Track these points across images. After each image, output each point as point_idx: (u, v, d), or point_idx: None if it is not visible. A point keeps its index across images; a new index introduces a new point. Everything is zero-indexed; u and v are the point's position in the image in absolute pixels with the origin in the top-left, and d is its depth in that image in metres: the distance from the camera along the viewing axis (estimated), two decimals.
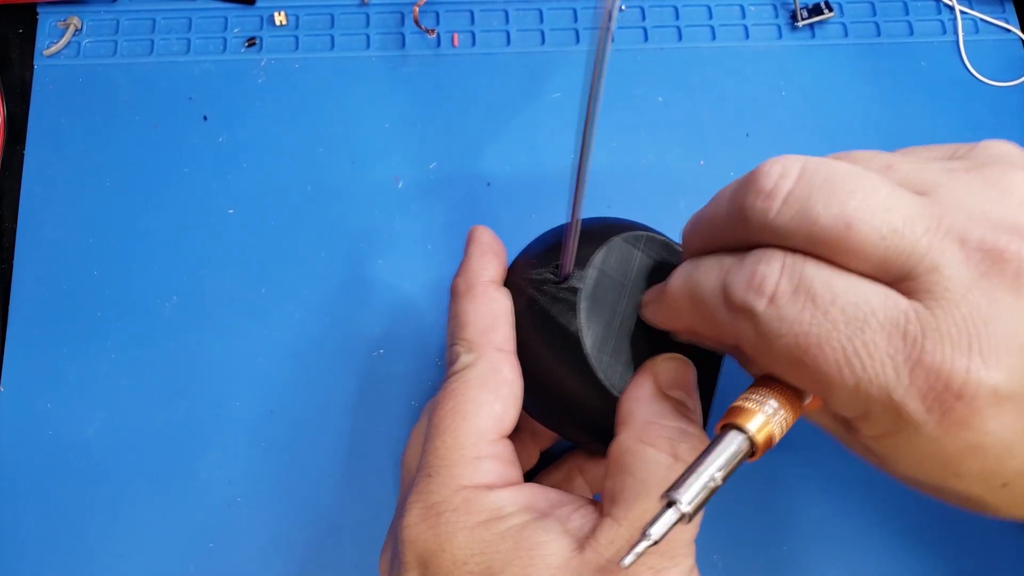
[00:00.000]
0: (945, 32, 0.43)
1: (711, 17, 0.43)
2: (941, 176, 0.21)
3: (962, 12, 0.43)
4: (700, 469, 0.21)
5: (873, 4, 0.44)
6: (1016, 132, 0.41)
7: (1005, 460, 0.20)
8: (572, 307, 0.26)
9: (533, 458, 0.33)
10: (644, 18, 0.43)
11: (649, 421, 0.25)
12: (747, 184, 0.22)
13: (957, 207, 0.20)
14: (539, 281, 0.27)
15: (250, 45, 0.41)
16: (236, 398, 0.35)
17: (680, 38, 0.42)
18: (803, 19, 0.42)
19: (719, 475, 0.21)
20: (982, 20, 0.43)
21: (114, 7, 0.41)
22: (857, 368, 0.20)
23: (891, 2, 0.44)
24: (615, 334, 0.27)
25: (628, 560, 0.20)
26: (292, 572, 0.33)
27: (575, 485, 0.32)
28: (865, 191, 0.20)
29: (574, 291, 0.27)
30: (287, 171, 0.39)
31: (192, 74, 0.40)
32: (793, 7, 0.43)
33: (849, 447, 0.25)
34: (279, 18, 0.41)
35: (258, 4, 0.42)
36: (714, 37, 0.43)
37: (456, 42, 0.42)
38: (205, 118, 0.40)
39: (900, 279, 0.20)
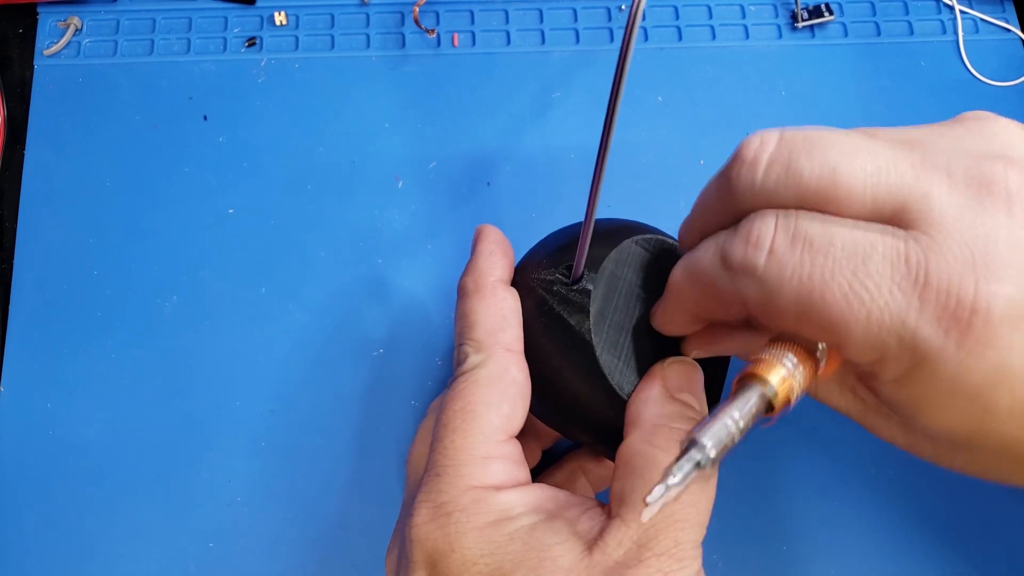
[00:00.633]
0: (945, 32, 0.43)
1: (711, 17, 0.43)
2: (921, 132, 0.22)
3: (962, 12, 0.43)
4: (720, 416, 0.21)
5: (873, 4, 0.44)
6: None
7: None
8: (583, 309, 0.26)
9: (535, 457, 0.33)
10: (644, 18, 0.43)
11: (657, 424, 0.25)
12: (731, 161, 0.23)
13: (939, 149, 0.21)
14: (549, 282, 0.27)
15: (250, 45, 0.41)
16: (236, 398, 0.35)
17: (680, 38, 0.42)
18: (803, 20, 0.42)
19: (740, 423, 0.21)
20: (982, 20, 0.43)
21: (114, 7, 0.41)
22: (866, 300, 0.20)
23: (891, 2, 0.44)
24: (625, 337, 0.27)
25: (650, 513, 0.20)
26: (292, 572, 0.33)
27: (578, 485, 0.32)
28: (845, 143, 0.21)
29: (586, 293, 0.26)
30: (287, 171, 0.39)
31: (192, 74, 0.40)
32: (794, 7, 0.43)
33: (872, 423, 0.24)
34: (279, 18, 0.41)
35: (258, 4, 0.42)
36: (714, 37, 0.43)
37: (456, 42, 0.41)
38: (205, 118, 0.40)
39: (894, 216, 0.20)
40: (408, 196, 0.39)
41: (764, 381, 0.21)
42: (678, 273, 0.25)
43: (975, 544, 0.34)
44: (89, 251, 0.37)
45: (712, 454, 0.20)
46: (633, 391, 0.26)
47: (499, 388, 0.26)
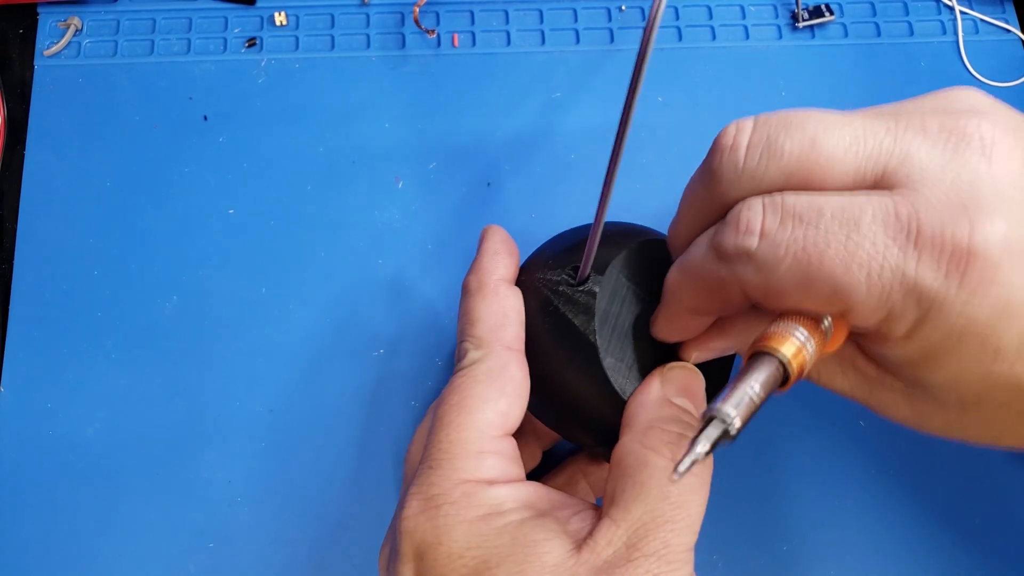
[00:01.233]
0: (945, 32, 0.43)
1: (711, 17, 0.43)
2: (891, 105, 0.23)
3: (962, 12, 0.43)
4: (739, 386, 0.21)
5: (873, 4, 0.44)
6: None
7: None
8: (588, 311, 0.26)
9: (536, 458, 0.33)
10: (644, 18, 0.43)
11: (651, 426, 0.25)
12: (711, 152, 0.23)
13: (910, 112, 0.22)
14: (555, 282, 0.27)
15: (250, 45, 0.41)
16: (236, 398, 0.35)
17: (680, 38, 0.42)
18: (804, 20, 0.42)
19: (759, 392, 0.21)
20: (982, 20, 0.43)
21: (114, 7, 0.41)
22: (864, 261, 0.20)
23: (891, 3, 0.44)
24: (629, 340, 0.27)
25: (680, 474, 0.20)
26: (292, 572, 0.33)
27: (578, 489, 0.32)
28: (821, 117, 0.22)
29: (591, 295, 0.26)
30: (287, 171, 0.39)
31: (192, 74, 0.40)
32: (794, 8, 0.43)
33: (879, 399, 0.24)
34: (279, 18, 0.41)
35: (258, 4, 0.42)
36: (714, 37, 0.43)
37: (456, 42, 0.42)
38: (205, 118, 0.40)
39: (877, 182, 0.21)
40: (408, 196, 0.39)
41: (777, 351, 0.21)
42: (673, 276, 0.25)
43: (976, 544, 0.34)
44: (89, 251, 0.37)
45: (737, 422, 0.20)
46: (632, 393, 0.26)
47: (497, 385, 0.26)
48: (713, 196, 0.23)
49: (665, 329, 0.27)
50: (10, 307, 0.36)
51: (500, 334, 0.27)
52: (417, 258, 0.38)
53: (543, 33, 0.42)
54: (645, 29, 0.19)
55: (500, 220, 0.38)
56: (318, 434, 0.35)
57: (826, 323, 0.22)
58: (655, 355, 0.27)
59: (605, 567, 0.22)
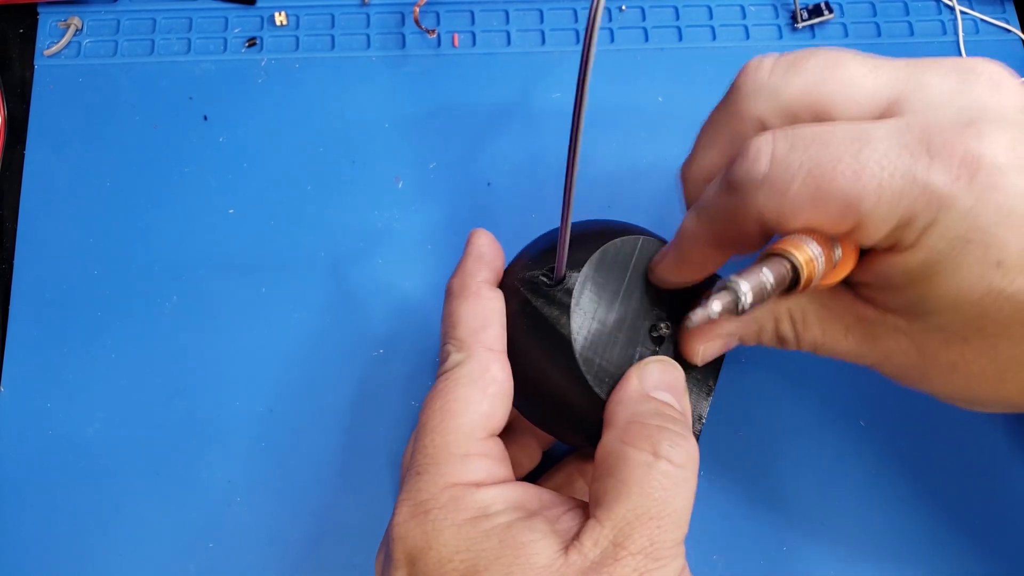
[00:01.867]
0: (945, 32, 0.43)
1: (711, 17, 0.43)
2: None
3: (962, 12, 0.43)
4: (752, 270, 0.22)
5: (873, 4, 0.44)
6: None
7: None
8: (564, 309, 0.26)
9: (535, 458, 0.33)
10: (644, 18, 0.43)
11: (632, 421, 0.25)
12: (737, 76, 0.25)
13: (924, 62, 0.24)
14: (534, 283, 0.27)
15: (250, 45, 0.41)
16: (236, 398, 0.35)
17: (680, 38, 0.42)
18: (803, 20, 0.42)
19: (771, 281, 0.22)
20: (982, 20, 0.43)
21: (114, 7, 0.41)
22: (876, 171, 0.21)
23: (891, 3, 0.44)
24: (607, 337, 0.27)
25: (692, 324, 0.22)
26: (291, 572, 0.33)
27: (576, 488, 0.32)
28: (845, 50, 0.24)
29: (568, 292, 0.27)
30: (287, 171, 0.39)
31: (192, 74, 0.40)
32: (793, 8, 0.43)
33: (882, 350, 0.25)
34: (279, 18, 0.41)
35: (258, 4, 0.42)
36: (714, 37, 0.43)
37: (456, 42, 0.42)
38: (205, 118, 0.40)
39: (891, 106, 0.23)
40: (408, 196, 0.39)
41: (791, 253, 0.22)
42: (689, 219, 0.26)
43: (976, 544, 0.34)
44: (89, 251, 0.37)
45: (749, 296, 0.21)
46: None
47: (479, 386, 0.26)
48: (731, 116, 0.25)
49: (673, 271, 0.27)
50: (10, 307, 0.36)
51: (481, 336, 0.27)
52: (417, 258, 0.38)
53: (543, 33, 0.42)
54: (586, 29, 0.20)
55: (500, 220, 0.38)
56: (318, 434, 0.35)
57: (837, 252, 0.23)
58: (634, 352, 0.27)
59: (593, 567, 0.22)
